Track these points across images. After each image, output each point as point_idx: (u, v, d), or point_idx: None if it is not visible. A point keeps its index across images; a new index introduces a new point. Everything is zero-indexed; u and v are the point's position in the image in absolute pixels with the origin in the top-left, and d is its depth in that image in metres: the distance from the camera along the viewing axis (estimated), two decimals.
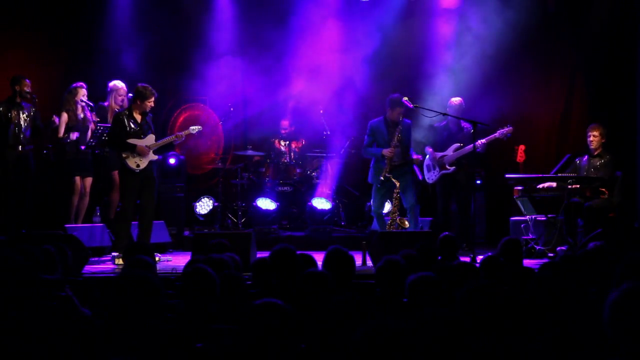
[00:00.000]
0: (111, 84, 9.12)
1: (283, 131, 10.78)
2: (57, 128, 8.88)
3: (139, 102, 7.99)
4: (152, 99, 7.97)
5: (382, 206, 8.65)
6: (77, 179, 8.98)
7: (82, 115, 8.96)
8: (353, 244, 7.89)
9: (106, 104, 9.10)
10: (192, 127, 8.47)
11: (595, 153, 8.48)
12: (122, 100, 8.99)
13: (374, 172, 8.54)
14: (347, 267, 4.72)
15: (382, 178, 8.35)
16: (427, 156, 9.19)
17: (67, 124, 8.89)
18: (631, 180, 9.14)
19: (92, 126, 8.96)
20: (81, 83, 9.00)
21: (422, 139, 9.35)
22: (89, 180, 9.10)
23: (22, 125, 8.79)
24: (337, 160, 10.61)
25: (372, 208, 8.61)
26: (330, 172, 10.55)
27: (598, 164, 8.43)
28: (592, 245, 5.20)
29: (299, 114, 10.87)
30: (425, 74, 10.22)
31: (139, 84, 8.07)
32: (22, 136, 8.79)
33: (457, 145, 8.95)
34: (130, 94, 8.65)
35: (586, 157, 8.57)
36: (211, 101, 10.90)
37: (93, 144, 8.91)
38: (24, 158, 8.85)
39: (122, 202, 8.11)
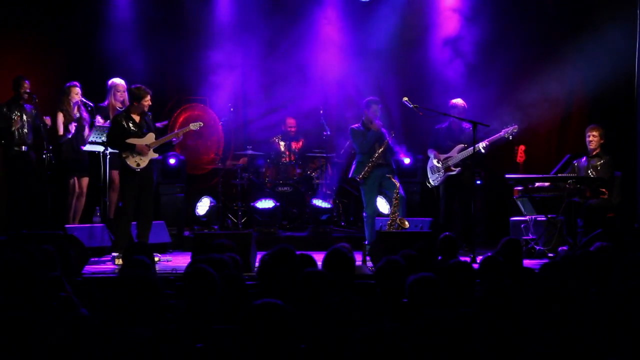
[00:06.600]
0: (110, 82, 9.11)
1: (290, 129, 10.75)
2: (53, 128, 8.88)
3: (135, 104, 8.00)
4: (148, 97, 7.98)
5: (375, 204, 8.57)
6: (74, 179, 8.99)
7: (77, 115, 8.95)
8: (353, 244, 7.86)
9: (105, 103, 9.09)
10: (192, 124, 8.47)
11: (594, 153, 8.46)
12: (123, 97, 8.95)
13: (358, 168, 8.48)
14: (346, 268, 4.72)
15: (358, 178, 8.35)
16: (430, 158, 9.13)
17: (64, 123, 8.89)
18: (631, 180, 9.12)
19: (87, 126, 8.97)
20: (75, 82, 8.99)
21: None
22: (85, 181, 9.10)
23: (25, 126, 8.83)
24: (336, 161, 10.60)
25: (366, 211, 8.41)
26: (330, 173, 10.54)
27: (597, 164, 8.41)
28: (598, 245, 5.18)
29: (299, 114, 10.86)
30: (424, 74, 10.22)
31: (132, 86, 8.10)
32: (24, 137, 8.83)
33: (461, 146, 8.86)
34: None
35: (584, 158, 8.55)
36: (211, 101, 10.90)
37: (92, 142, 8.89)
38: (26, 158, 8.88)
39: (122, 202, 8.10)
